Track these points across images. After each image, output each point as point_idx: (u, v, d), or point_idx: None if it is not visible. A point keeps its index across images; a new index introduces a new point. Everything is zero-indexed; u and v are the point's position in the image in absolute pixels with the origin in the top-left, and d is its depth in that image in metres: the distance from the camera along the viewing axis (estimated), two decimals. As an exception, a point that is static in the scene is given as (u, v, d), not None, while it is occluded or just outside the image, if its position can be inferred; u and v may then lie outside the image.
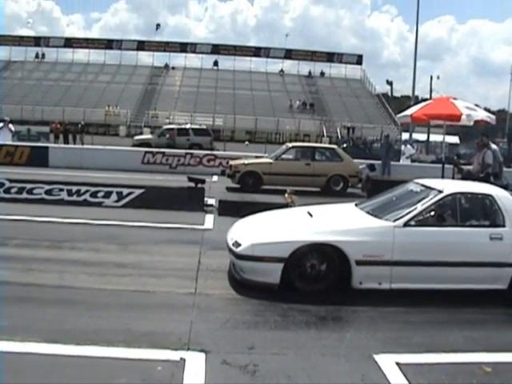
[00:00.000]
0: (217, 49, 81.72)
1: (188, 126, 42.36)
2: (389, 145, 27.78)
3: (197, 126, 43.19)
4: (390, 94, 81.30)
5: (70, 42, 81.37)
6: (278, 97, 71.07)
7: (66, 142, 39.57)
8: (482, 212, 8.42)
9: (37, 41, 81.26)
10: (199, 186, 14.83)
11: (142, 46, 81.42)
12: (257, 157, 22.78)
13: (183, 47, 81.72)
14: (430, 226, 8.01)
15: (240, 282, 7.98)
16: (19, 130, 38.62)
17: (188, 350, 5.71)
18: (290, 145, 22.09)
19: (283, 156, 20.53)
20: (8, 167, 22.63)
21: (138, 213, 13.35)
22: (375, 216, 8.38)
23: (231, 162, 20.97)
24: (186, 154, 27.14)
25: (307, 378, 5.26)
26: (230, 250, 8.26)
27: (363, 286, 7.81)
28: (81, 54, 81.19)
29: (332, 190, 19.77)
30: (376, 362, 5.65)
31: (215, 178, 22.87)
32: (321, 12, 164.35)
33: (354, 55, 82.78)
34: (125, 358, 5.46)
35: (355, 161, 21.56)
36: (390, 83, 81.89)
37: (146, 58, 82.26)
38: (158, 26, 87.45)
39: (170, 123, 50.71)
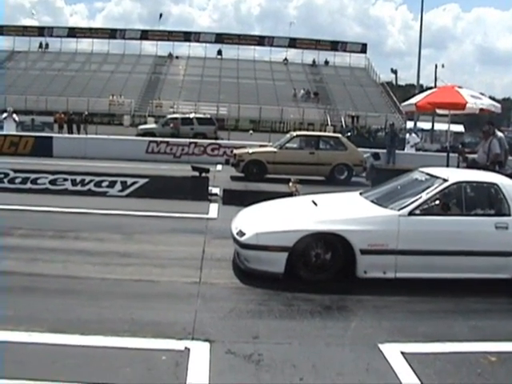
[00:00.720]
0: (220, 38, 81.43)
1: (192, 116, 42.25)
2: (394, 133, 27.71)
3: (201, 115, 43.09)
4: (394, 82, 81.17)
5: (73, 32, 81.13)
6: (282, 86, 70.87)
7: (70, 131, 39.59)
8: (487, 201, 8.34)
9: (40, 31, 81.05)
10: (203, 175, 14.83)
11: (145, 35, 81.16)
12: (261, 146, 22.74)
13: (187, 36, 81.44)
14: (434, 214, 7.97)
15: (244, 271, 7.97)
16: (23, 120, 38.66)
17: (192, 339, 5.71)
18: (295, 134, 22.19)
19: (287, 145, 20.56)
20: (12, 157, 22.74)
21: (143, 202, 13.35)
22: (380, 205, 8.35)
23: (235, 151, 20.97)
24: (190, 143, 27.22)
25: (312, 367, 5.26)
26: (235, 240, 8.25)
27: (368, 276, 7.78)
28: (84, 44, 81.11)
29: (336, 178, 19.80)
30: (381, 352, 5.64)
31: (219, 167, 22.83)
32: (325, 0, 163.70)
33: (358, 44, 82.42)
34: (129, 348, 5.46)
35: (359, 149, 21.52)
36: (394, 72, 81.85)
37: (149, 47, 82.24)
38: (160, 15, 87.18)
39: (173, 112, 50.61)
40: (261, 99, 64.69)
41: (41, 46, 79.88)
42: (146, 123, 48.48)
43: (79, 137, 33.64)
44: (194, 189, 14.36)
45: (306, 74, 77.04)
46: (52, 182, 14.55)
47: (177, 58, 79.77)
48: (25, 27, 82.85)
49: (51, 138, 27.43)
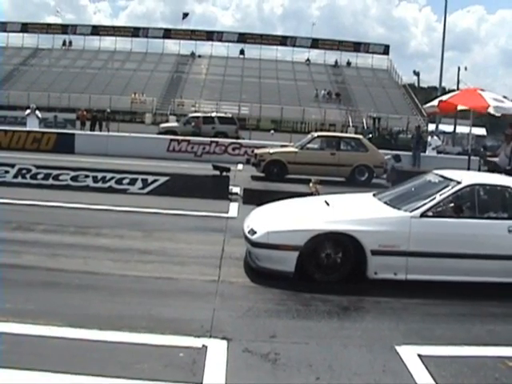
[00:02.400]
0: (243, 37, 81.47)
1: (213, 115, 42.33)
2: (419, 136, 27.60)
3: (222, 115, 43.12)
4: (416, 84, 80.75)
5: (96, 30, 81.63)
6: (303, 86, 70.78)
7: (93, 129, 39.80)
8: (501, 204, 8.31)
9: (64, 28, 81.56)
10: (224, 174, 14.87)
11: (168, 34, 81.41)
12: (282, 146, 22.75)
13: (209, 35, 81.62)
14: (447, 217, 7.94)
15: (260, 270, 7.98)
16: (46, 117, 39.08)
17: (210, 337, 5.74)
18: (316, 134, 22.21)
19: (308, 145, 20.59)
20: (35, 153, 22.90)
21: (163, 200, 13.41)
22: (392, 206, 8.35)
23: (256, 151, 21.04)
24: (212, 142, 27.28)
25: (328, 367, 5.27)
26: (246, 238, 8.29)
27: (378, 277, 7.80)
28: (107, 42, 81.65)
29: (357, 180, 19.79)
30: (398, 354, 5.64)
31: (240, 166, 22.88)
32: (348, 1, 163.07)
33: (380, 45, 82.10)
34: (147, 344, 5.51)
35: (381, 151, 21.46)
36: (416, 74, 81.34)
37: (172, 46, 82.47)
38: (185, 15, 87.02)
39: (195, 111, 50.74)
40: (282, 99, 64.67)
41: (64, 43, 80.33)
42: (167, 121, 48.63)
43: (101, 134, 33.79)
44: (215, 188, 14.41)
45: (328, 74, 76.90)
46: (74, 179, 14.68)
47: (199, 56, 79.96)
48: (49, 25, 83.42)
49: (73, 134, 27.62)
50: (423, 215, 7.86)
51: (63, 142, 25.96)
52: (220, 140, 28.40)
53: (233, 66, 75.64)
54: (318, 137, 21.62)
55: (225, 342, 5.63)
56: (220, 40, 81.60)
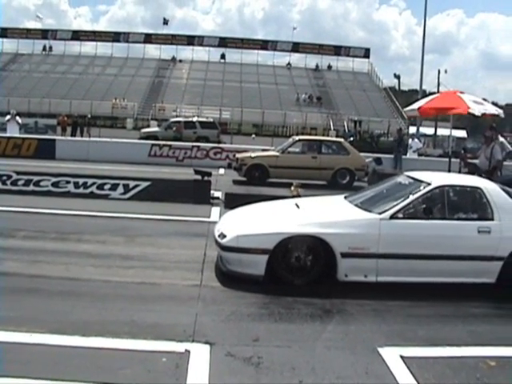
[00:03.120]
0: (224, 42, 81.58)
1: (195, 119, 42.41)
2: (401, 139, 27.70)
3: (204, 119, 43.23)
4: (397, 87, 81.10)
5: (77, 35, 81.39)
6: (285, 90, 70.99)
7: (74, 134, 39.64)
8: (471, 205, 8.32)
9: (44, 33, 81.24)
10: (206, 178, 14.87)
11: (149, 38, 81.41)
12: (263, 150, 22.82)
13: (190, 40, 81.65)
14: (416, 218, 7.95)
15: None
16: (26, 123, 38.89)
17: (193, 341, 5.73)
18: (297, 138, 22.30)
19: (290, 149, 20.63)
20: (15, 159, 22.80)
21: (145, 205, 13.40)
22: (363, 208, 8.36)
23: (238, 155, 21.09)
24: (193, 146, 27.29)
25: (311, 370, 5.28)
26: (216, 242, 8.27)
27: (349, 279, 7.81)
28: (88, 47, 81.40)
29: (338, 183, 19.82)
30: (380, 355, 5.66)
31: (222, 170, 22.92)
32: (329, 5, 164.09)
33: (361, 48, 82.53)
34: (130, 350, 5.49)
35: (362, 154, 21.56)
36: (397, 77, 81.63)
37: (153, 50, 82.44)
38: (165, 21, 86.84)
39: (176, 116, 50.75)
40: (264, 103, 64.82)
41: (44, 48, 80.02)
42: (148, 126, 48.57)
43: (82, 139, 33.69)
44: (196, 192, 14.40)
45: (309, 78, 77.17)
46: (55, 185, 14.60)
47: (180, 61, 79.97)
48: (28, 30, 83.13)
49: (54, 140, 27.49)
50: (393, 217, 7.88)
51: (44, 148, 25.79)
52: (201, 144, 28.40)
53: (214, 71, 75.73)
54: (300, 140, 21.72)
55: (207, 347, 5.62)
56: (201, 44, 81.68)
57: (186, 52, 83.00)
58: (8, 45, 79.97)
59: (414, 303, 7.48)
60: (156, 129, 42.55)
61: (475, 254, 7.90)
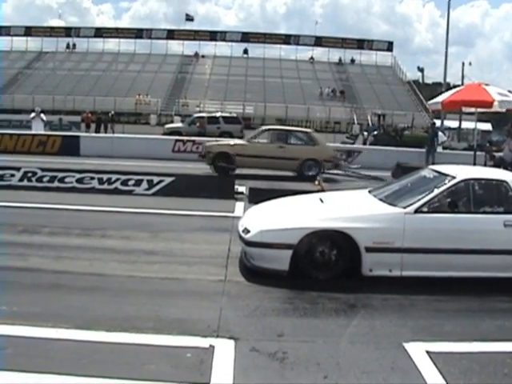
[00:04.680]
0: (246, 37, 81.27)
1: (218, 114, 42.37)
2: (435, 133, 27.40)
3: (227, 114, 43.16)
4: (421, 80, 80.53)
5: (100, 32, 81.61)
6: (308, 84, 70.63)
7: (98, 131, 39.89)
8: (496, 198, 8.19)
9: (68, 31, 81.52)
10: (230, 173, 14.87)
11: (171, 34, 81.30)
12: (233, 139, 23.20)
13: (213, 35, 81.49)
14: (441, 212, 7.87)
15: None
16: (51, 120, 39.11)
17: (217, 337, 5.73)
18: (266, 127, 22.47)
19: (258, 139, 20.73)
20: (40, 156, 22.95)
21: (169, 201, 13.42)
22: (387, 202, 8.31)
23: (206, 144, 21.44)
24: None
25: (336, 365, 5.25)
26: (240, 237, 8.27)
27: (373, 274, 7.78)
28: (111, 44, 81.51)
29: (305, 174, 19.74)
30: (406, 350, 5.61)
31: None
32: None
33: (384, 42, 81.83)
34: (154, 345, 5.50)
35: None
36: (421, 70, 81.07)
37: (175, 46, 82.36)
38: (189, 17, 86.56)
39: (200, 111, 50.73)
40: (287, 98, 64.58)
41: (68, 46, 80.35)
42: (172, 122, 48.64)
43: (106, 136, 33.92)
44: (220, 187, 14.41)
45: (332, 72, 76.72)
46: (79, 181, 14.67)
47: (203, 57, 79.82)
48: (52, 28, 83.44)
49: (78, 137, 27.71)
50: (417, 211, 7.83)
51: (68, 145, 26.05)
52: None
53: (236, 66, 75.50)
54: (268, 130, 21.75)
55: (232, 342, 5.61)
56: (223, 40, 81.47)
57: (208, 47, 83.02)
58: (32, 43, 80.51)
59: (440, 298, 7.41)
60: (180, 124, 42.63)
61: (502, 248, 7.79)
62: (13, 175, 14.78)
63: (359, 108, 63.25)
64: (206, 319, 6.20)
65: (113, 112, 45.09)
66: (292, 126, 53.70)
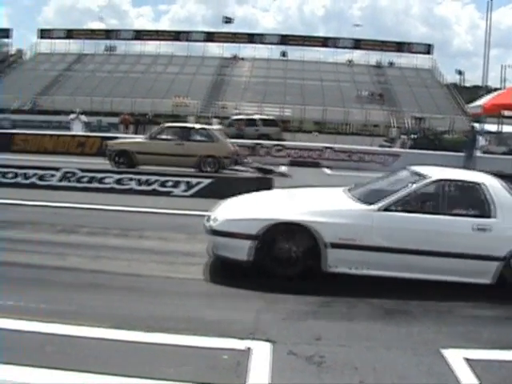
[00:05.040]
0: (285, 39, 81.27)
1: (256, 117, 42.47)
2: (474, 137, 27.01)
3: (265, 117, 43.25)
4: (460, 83, 79.77)
5: (139, 35, 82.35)
6: (346, 87, 70.32)
7: (137, 132, 40.25)
8: (469, 201, 8.04)
9: (108, 34, 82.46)
10: (268, 176, 14.89)
11: (210, 37, 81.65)
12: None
13: (251, 38, 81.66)
14: (410, 212, 7.73)
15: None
16: (90, 121, 39.52)
17: (254, 339, 5.72)
18: (166, 125, 23.03)
19: (158, 136, 21.07)
20: (79, 157, 23.23)
21: (207, 202, 13.40)
22: (358, 200, 8.18)
23: (107, 142, 21.75)
24: (255, 144, 27.27)
25: (372, 370, 5.22)
26: (205, 226, 8.28)
27: (336, 270, 7.68)
28: (150, 46, 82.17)
29: (204, 170, 19.85)
30: (443, 357, 5.55)
31: (284, 168, 22.86)
32: (390, 1, 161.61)
33: (423, 44, 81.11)
34: (191, 346, 5.51)
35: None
36: (460, 73, 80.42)
37: (214, 49, 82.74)
38: (228, 19, 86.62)
39: (238, 114, 50.85)
40: (325, 101, 64.37)
41: (107, 48, 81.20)
42: (210, 124, 48.78)
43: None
44: (259, 189, 14.38)
45: (371, 75, 76.29)
46: (118, 182, 14.84)
47: (241, 59, 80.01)
48: (93, 31, 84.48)
49: (117, 138, 27.90)
50: (387, 209, 7.70)
51: (107, 146, 26.24)
52: (263, 142, 28.47)
53: (275, 68, 75.42)
54: (168, 127, 22.12)
55: (269, 345, 5.60)
56: (262, 42, 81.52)
57: (246, 50, 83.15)
58: (74, 45, 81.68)
59: (477, 304, 7.30)
60: (218, 126, 42.77)
61: (470, 252, 7.59)
62: (53, 175, 15.01)
63: (398, 111, 62.87)
64: (243, 321, 6.22)
65: (149, 114, 45.43)
66: (329, 128, 53.89)
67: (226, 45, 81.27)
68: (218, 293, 7.30)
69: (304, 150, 27.14)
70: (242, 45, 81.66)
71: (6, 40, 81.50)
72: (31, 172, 15.09)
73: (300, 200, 8.72)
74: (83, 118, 30.31)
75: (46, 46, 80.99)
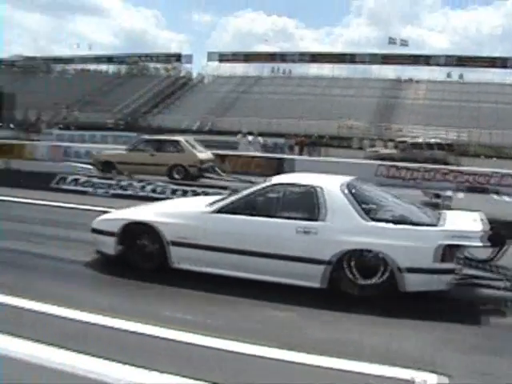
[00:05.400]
0: (460, 60, 79.09)
1: (423, 140, 42.34)
2: None
3: (433, 140, 42.57)
4: None
5: (314, 58, 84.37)
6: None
7: (310, 154, 41.27)
8: (301, 204, 8.22)
9: (282, 57, 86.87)
10: (436, 200, 14.46)
11: (383, 59, 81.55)
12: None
13: (424, 60, 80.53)
14: (241, 214, 8.21)
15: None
16: (265, 143, 41.10)
17: (418, 369, 5.45)
18: (143, 138, 26.26)
19: (136, 147, 23.91)
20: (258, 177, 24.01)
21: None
22: (208, 205, 8.70)
23: (92, 153, 26.54)
24: (421, 168, 26.83)
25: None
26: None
27: (180, 267, 8.41)
28: (324, 69, 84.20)
29: (174, 178, 22.01)
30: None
31: (461, 195, 22.20)
32: None
33: None
34: (353, 372, 5.38)
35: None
36: None
37: (383, 70, 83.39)
38: (404, 42, 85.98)
39: (415, 137, 49.85)
40: (502, 124, 61.44)
41: (284, 71, 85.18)
42: (386, 147, 48.30)
43: (318, 159, 34.83)
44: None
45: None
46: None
47: (417, 82, 78.93)
48: (269, 54, 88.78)
49: (293, 160, 29.87)
50: (219, 211, 8.33)
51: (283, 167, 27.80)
52: (429, 166, 27.97)
53: (444, 90, 73.75)
54: (145, 140, 24.93)
55: (435, 376, 5.32)
56: (436, 64, 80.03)
57: (416, 71, 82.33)
58: (240, 69, 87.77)
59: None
60: (392, 151, 42.43)
61: (294, 254, 7.79)
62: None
63: None
64: (405, 349, 6.06)
65: (316, 135, 46.35)
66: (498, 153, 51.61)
67: (399, 67, 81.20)
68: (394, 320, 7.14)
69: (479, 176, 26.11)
70: (415, 66, 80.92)
71: (188, 65, 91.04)
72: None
73: (162, 204, 10.20)
74: (260, 139, 32.26)
75: (226, 68, 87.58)
